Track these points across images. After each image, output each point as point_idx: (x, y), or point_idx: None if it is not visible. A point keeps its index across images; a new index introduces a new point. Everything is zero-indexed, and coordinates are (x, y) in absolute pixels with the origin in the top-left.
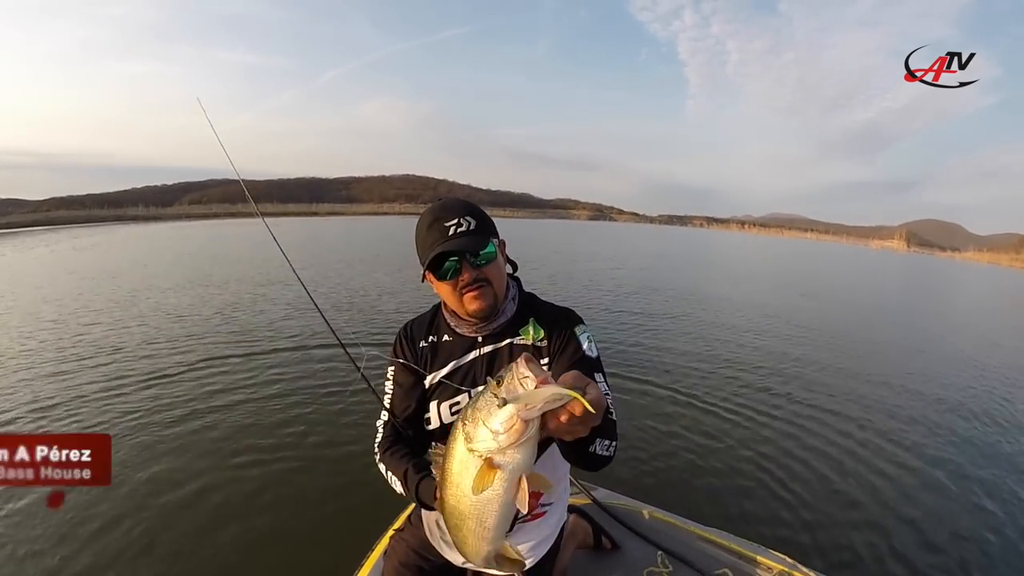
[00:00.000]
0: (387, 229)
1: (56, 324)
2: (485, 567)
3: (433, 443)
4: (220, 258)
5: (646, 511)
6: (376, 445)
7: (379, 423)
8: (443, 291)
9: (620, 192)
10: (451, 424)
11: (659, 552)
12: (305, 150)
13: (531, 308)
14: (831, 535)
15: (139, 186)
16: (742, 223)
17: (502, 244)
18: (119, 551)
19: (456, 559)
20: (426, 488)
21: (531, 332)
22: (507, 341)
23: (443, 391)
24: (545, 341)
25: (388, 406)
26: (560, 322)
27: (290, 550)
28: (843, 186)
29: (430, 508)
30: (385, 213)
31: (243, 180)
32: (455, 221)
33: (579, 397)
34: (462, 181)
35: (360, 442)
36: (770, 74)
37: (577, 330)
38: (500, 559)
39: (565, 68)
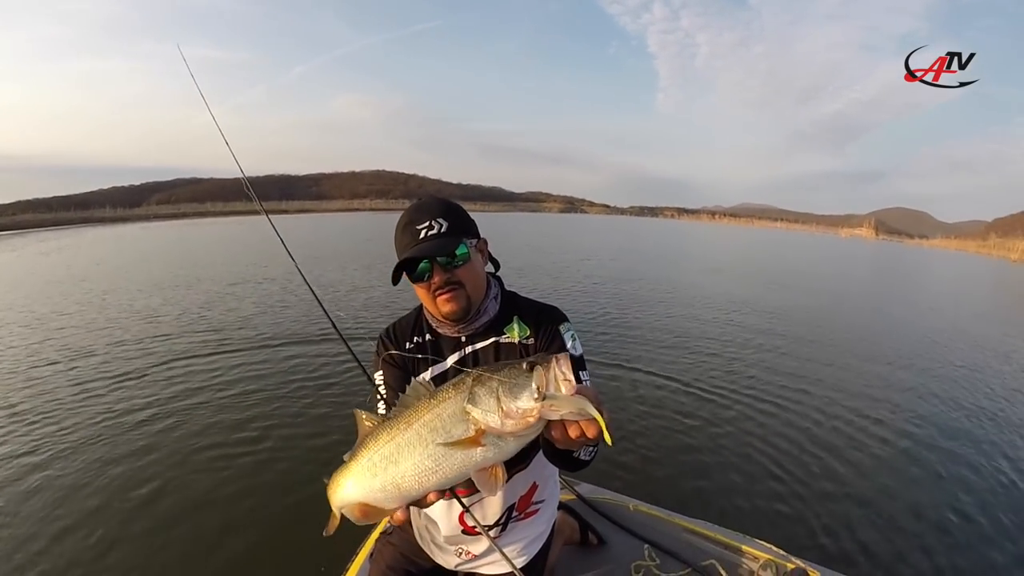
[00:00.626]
0: (359, 226)
1: (27, 329)
2: (341, 506)
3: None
4: (191, 257)
5: (631, 505)
6: None
7: None
8: (419, 293)
9: (591, 184)
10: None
11: (645, 545)
12: (274, 146)
13: (514, 306)
14: (816, 523)
15: (106, 187)
16: (712, 213)
17: (483, 243)
18: (89, 552)
19: (447, 562)
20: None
21: (516, 330)
22: (492, 340)
23: None
24: (531, 339)
25: (383, 410)
26: (544, 320)
27: (271, 551)
28: (812, 176)
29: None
30: (356, 209)
31: (214, 178)
32: (426, 224)
33: (601, 422)
34: (432, 176)
35: (344, 439)
36: (740, 67)
37: (562, 328)
38: (366, 513)
39: (535, 62)
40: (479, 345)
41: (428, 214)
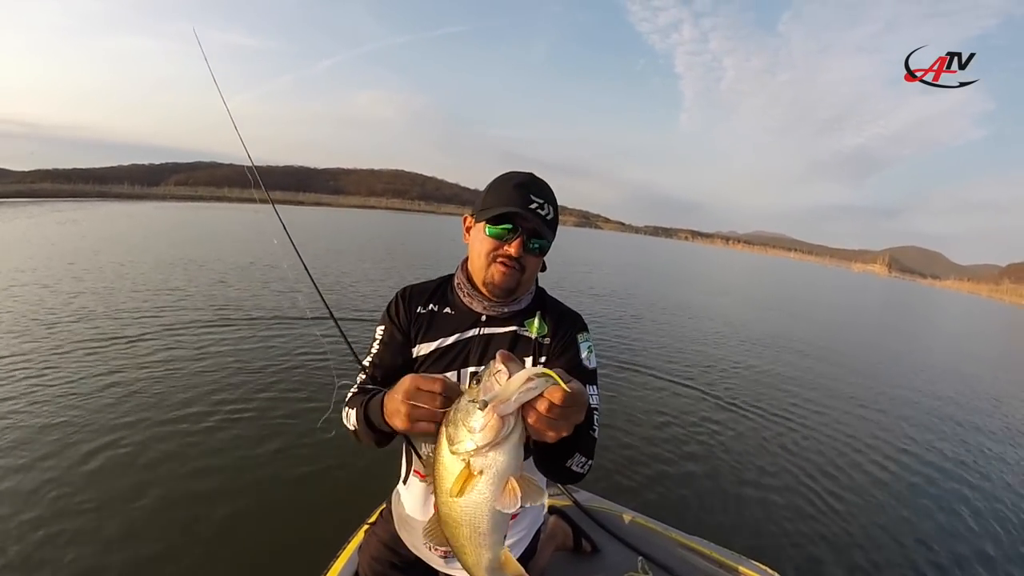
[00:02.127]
0: (373, 224)
1: (44, 289)
2: None
3: (423, 446)
4: (202, 239)
5: (627, 516)
6: (345, 400)
7: (358, 380)
8: (480, 246)
9: (607, 200)
10: None
11: (639, 557)
12: (295, 137)
13: (540, 302)
14: (811, 547)
15: (125, 163)
16: (727, 239)
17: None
18: (78, 520)
19: (423, 554)
20: (375, 404)
21: (536, 326)
22: (512, 328)
23: (431, 366)
24: (548, 339)
25: (368, 362)
26: (565, 324)
27: (264, 541)
28: (829, 208)
29: (378, 431)
30: (372, 207)
31: (234, 164)
32: (541, 202)
33: (556, 378)
34: (451, 179)
35: (337, 428)
36: (765, 93)
37: (580, 336)
38: (502, 568)
39: (559, 73)
40: (497, 330)
41: (544, 195)
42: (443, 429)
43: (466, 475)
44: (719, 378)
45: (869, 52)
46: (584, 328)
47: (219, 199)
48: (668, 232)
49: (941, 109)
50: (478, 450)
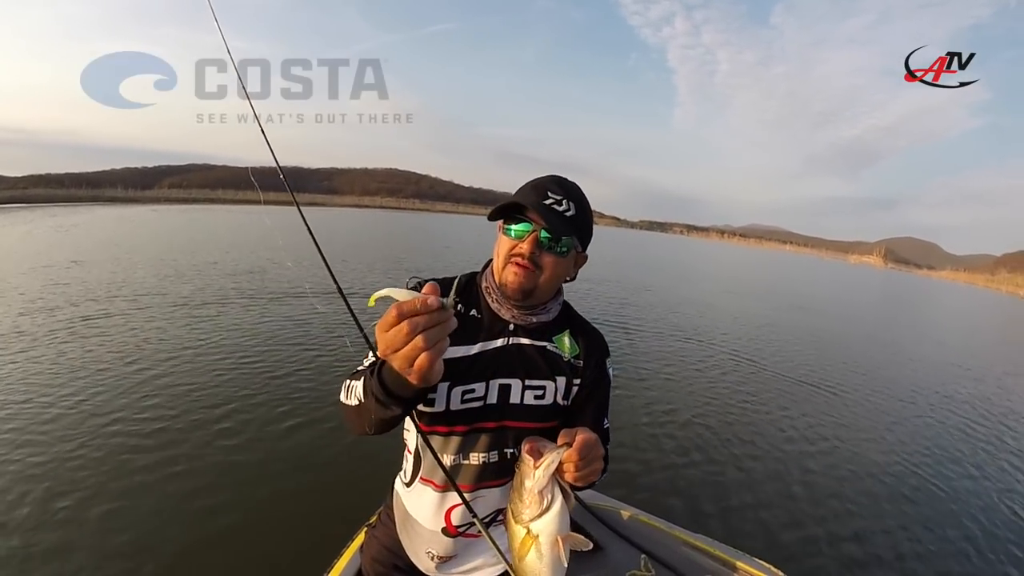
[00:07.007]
0: (370, 223)
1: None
2: None
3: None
4: (200, 242)
5: (630, 513)
6: (349, 375)
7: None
8: (499, 247)
9: (602, 196)
10: (458, 411)
11: (642, 555)
12: (286, 138)
13: (568, 318)
14: (815, 546)
15: (118, 167)
16: (722, 232)
17: (582, 257)
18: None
19: (420, 561)
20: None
21: (567, 345)
22: (542, 344)
23: (459, 373)
24: (580, 362)
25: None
26: (595, 349)
27: (265, 539)
28: (824, 201)
29: (389, 395)
30: (367, 206)
31: (227, 166)
32: (560, 197)
33: (560, 452)
34: (445, 177)
35: (338, 423)
36: (759, 86)
37: (607, 362)
38: None
39: (552, 69)
40: (526, 341)
41: (565, 192)
42: (509, 505)
43: (527, 539)
44: (721, 374)
45: (863, 44)
46: (608, 351)
47: (212, 201)
48: (663, 226)
49: (938, 100)
50: (530, 520)
